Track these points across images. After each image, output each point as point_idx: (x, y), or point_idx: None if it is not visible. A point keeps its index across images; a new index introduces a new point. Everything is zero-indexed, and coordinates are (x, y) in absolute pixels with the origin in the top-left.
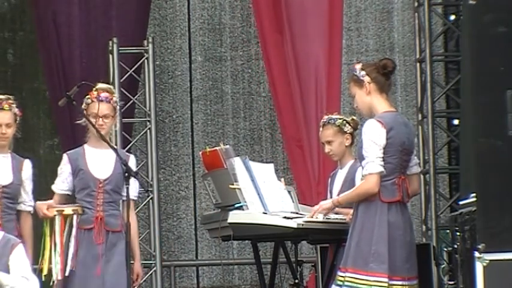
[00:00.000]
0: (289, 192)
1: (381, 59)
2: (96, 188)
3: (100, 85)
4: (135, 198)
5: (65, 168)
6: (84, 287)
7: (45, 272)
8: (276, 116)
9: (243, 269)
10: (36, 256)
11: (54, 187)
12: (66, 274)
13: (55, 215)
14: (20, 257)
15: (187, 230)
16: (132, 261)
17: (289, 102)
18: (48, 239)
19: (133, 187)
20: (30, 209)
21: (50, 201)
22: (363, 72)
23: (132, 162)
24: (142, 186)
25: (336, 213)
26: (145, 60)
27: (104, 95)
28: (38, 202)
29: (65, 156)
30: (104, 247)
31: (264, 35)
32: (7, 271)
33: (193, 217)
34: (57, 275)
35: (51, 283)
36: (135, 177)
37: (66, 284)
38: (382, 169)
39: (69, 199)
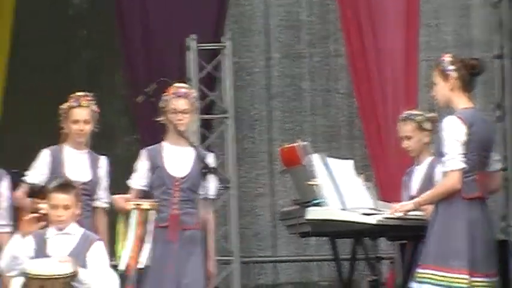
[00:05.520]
0: (368, 188)
1: (470, 58)
2: (172, 186)
3: (178, 84)
4: (213, 197)
5: (143, 164)
6: (159, 285)
7: (121, 266)
8: (354, 112)
9: (321, 266)
10: (112, 252)
11: (130, 182)
12: (141, 266)
13: (132, 209)
14: (98, 253)
15: (265, 226)
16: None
17: (369, 98)
18: (122, 232)
19: (212, 186)
20: (106, 205)
21: (127, 196)
22: (452, 67)
23: (210, 161)
24: (221, 182)
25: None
26: (224, 57)
27: (182, 90)
28: (114, 196)
29: (143, 152)
30: (178, 245)
31: (348, 29)
32: (86, 267)
33: (271, 214)
34: (128, 268)
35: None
36: (213, 174)
37: (141, 280)
38: (463, 165)
39: (145, 195)
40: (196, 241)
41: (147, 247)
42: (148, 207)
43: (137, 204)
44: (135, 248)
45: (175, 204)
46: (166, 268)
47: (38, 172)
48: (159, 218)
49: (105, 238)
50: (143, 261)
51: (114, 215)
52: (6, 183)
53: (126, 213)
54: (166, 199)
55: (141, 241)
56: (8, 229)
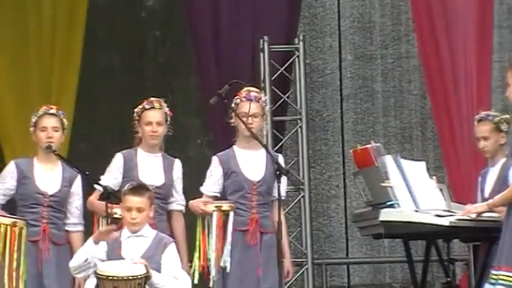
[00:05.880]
0: (440, 190)
1: None
2: (250, 189)
3: (249, 87)
4: (284, 198)
5: (215, 171)
6: (242, 282)
7: (198, 269)
8: (426, 113)
9: (394, 267)
10: (191, 254)
11: (203, 189)
12: (224, 266)
13: (213, 211)
14: (171, 256)
15: (337, 228)
16: (282, 259)
17: (443, 99)
18: (201, 235)
19: (283, 187)
20: (182, 208)
21: (204, 199)
22: None
23: (281, 162)
24: (294, 184)
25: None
26: (296, 59)
27: (253, 94)
28: (191, 201)
29: (215, 159)
30: (258, 249)
31: (421, 30)
32: (159, 270)
33: (343, 216)
34: (214, 270)
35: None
36: (286, 175)
37: (224, 283)
38: None
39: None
40: (274, 245)
41: (227, 248)
42: (228, 208)
43: (218, 206)
44: (216, 250)
45: (253, 208)
46: (247, 272)
47: (111, 176)
48: (238, 222)
49: (183, 240)
50: (225, 263)
51: (189, 218)
52: (79, 182)
53: (203, 216)
54: (244, 203)
55: (222, 243)
56: (80, 228)
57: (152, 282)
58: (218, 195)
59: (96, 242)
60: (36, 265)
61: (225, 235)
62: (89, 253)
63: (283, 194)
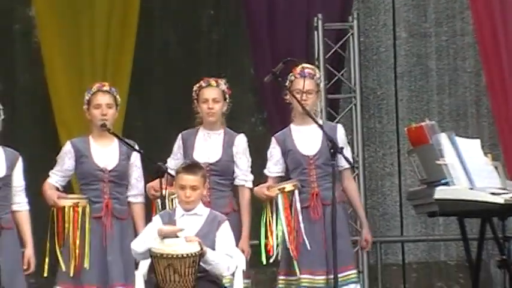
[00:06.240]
0: (495, 167)
1: None
2: (307, 165)
3: (304, 64)
4: (348, 166)
5: (274, 151)
6: (311, 265)
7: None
8: (481, 91)
9: (448, 245)
10: (254, 230)
11: (266, 171)
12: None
13: (277, 194)
14: (225, 234)
15: (392, 206)
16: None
17: (498, 75)
18: (269, 220)
19: (349, 155)
20: (244, 183)
21: (267, 184)
22: None
23: (340, 132)
24: (348, 162)
25: None
26: (350, 37)
27: (307, 71)
28: (255, 188)
29: (273, 139)
30: (323, 223)
31: (476, 6)
32: (213, 248)
33: (398, 194)
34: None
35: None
36: (340, 153)
37: (301, 256)
38: None
39: (281, 180)
40: (340, 215)
41: (301, 227)
42: (292, 188)
43: (281, 189)
44: (290, 232)
45: (313, 182)
46: (313, 248)
47: (173, 157)
48: (301, 199)
49: (247, 214)
50: (303, 239)
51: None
52: (136, 153)
53: (270, 201)
54: (304, 179)
55: (292, 223)
56: (140, 199)
57: (206, 260)
58: (282, 174)
59: (161, 235)
60: (100, 241)
61: (294, 215)
62: (150, 244)
63: (347, 162)
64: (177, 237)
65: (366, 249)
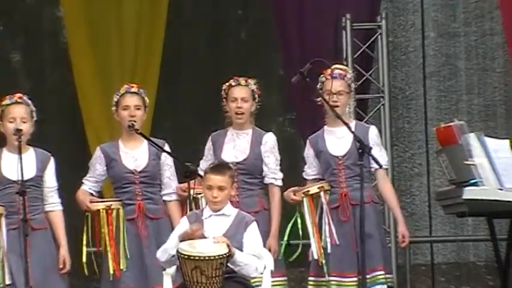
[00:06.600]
0: None
1: None
2: (336, 165)
3: (336, 65)
4: (386, 167)
5: (308, 154)
6: (341, 267)
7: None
8: (510, 91)
9: (477, 246)
10: (282, 229)
11: (304, 174)
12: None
13: (302, 197)
14: (253, 234)
15: (420, 206)
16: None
17: None
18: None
19: (380, 156)
20: (273, 181)
21: (294, 188)
22: None
23: (372, 133)
24: (376, 162)
25: None
26: (379, 36)
27: (337, 71)
28: (284, 192)
29: (307, 142)
30: (352, 223)
31: (505, 6)
32: (241, 248)
33: (427, 194)
34: (316, 254)
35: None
36: (368, 153)
37: (330, 258)
38: None
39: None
40: (367, 216)
41: (326, 229)
42: (317, 190)
43: (305, 192)
44: (316, 235)
45: (343, 182)
46: (343, 249)
47: (204, 159)
48: (331, 200)
49: (277, 213)
50: (326, 244)
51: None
52: (167, 154)
53: (299, 204)
54: (334, 180)
55: (319, 226)
56: (174, 197)
57: (235, 261)
58: (318, 176)
59: (182, 240)
60: (137, 243)
61: (321, 217)
62: (174, 250)
63: (383, 163)
64: (205, 237)
65: (403, 245)
